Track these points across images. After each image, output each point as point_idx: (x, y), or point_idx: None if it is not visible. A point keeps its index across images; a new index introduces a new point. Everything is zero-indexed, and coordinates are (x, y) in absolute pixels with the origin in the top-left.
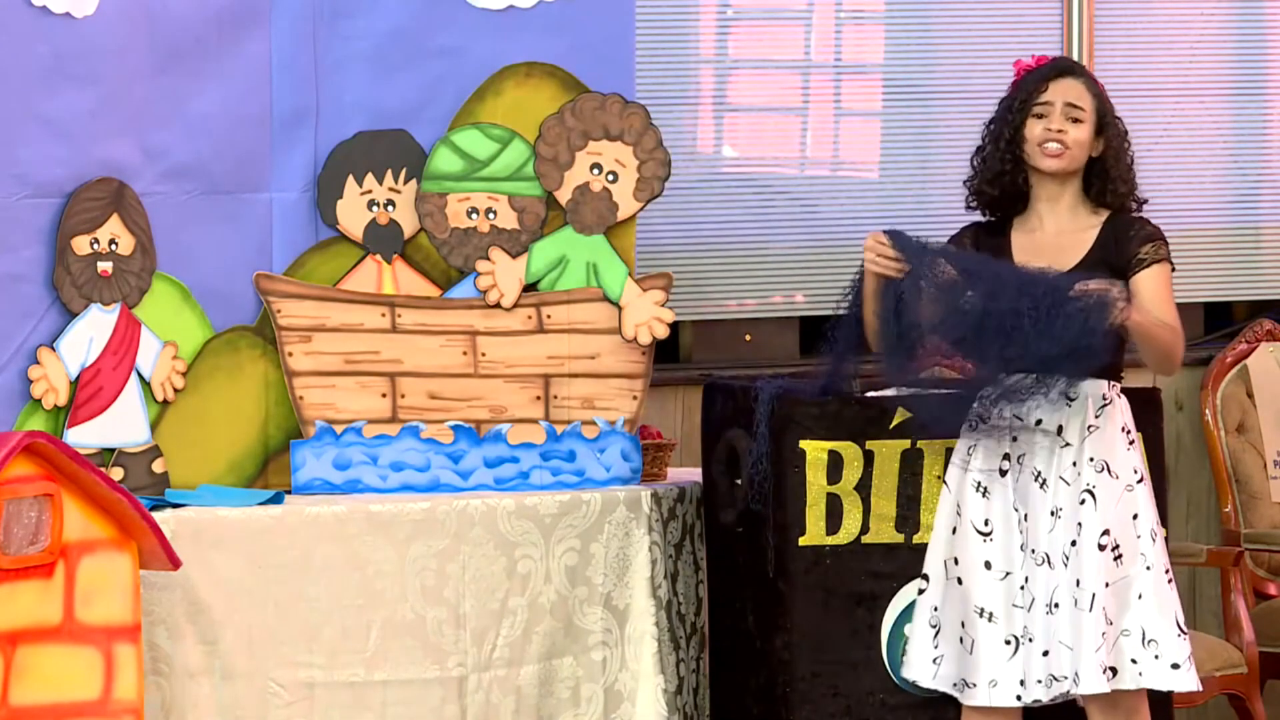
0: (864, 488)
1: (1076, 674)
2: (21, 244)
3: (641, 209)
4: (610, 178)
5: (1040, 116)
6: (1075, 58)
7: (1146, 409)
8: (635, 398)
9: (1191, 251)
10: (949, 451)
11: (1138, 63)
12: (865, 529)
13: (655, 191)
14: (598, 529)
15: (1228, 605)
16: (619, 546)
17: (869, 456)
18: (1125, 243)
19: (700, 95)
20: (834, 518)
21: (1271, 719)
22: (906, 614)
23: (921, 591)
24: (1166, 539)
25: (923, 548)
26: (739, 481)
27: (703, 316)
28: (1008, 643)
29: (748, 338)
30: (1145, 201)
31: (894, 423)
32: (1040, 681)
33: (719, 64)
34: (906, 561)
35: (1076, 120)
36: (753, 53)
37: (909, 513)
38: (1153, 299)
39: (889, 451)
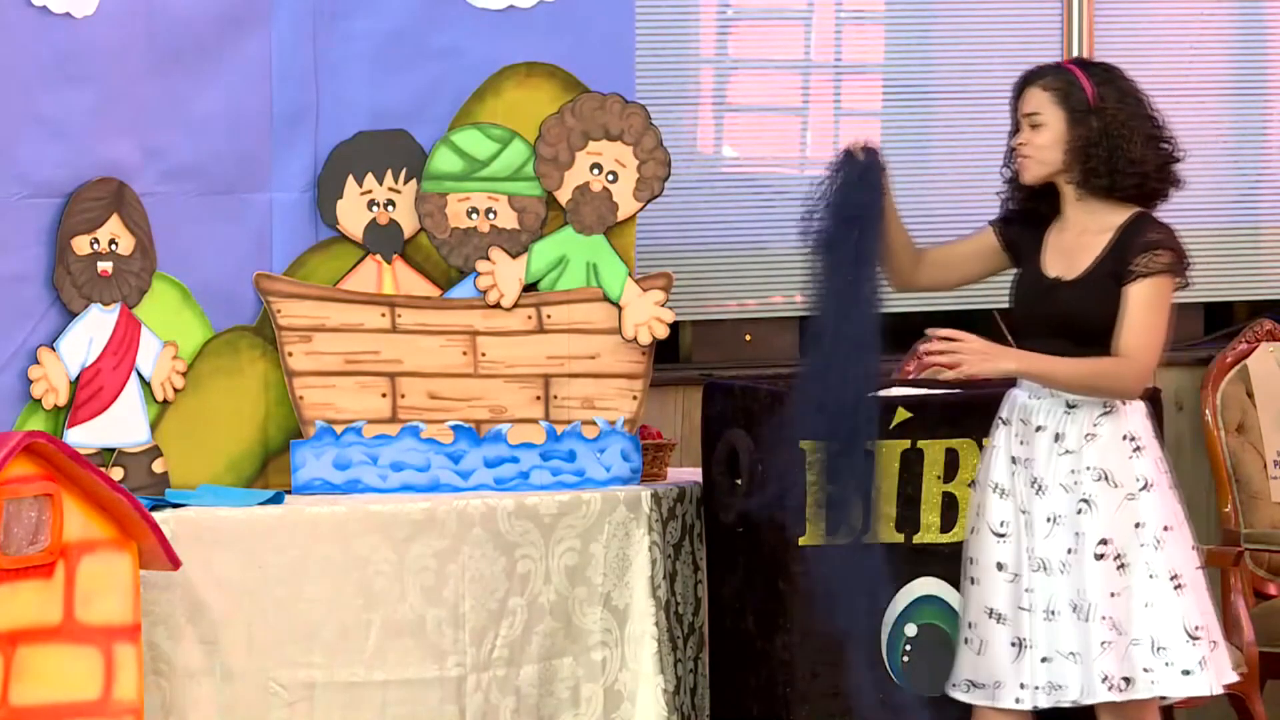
0: None
1: (1084, 685)
2: (21, 244)
3: (641, 209)
4: (610, 178)
5: (1016, 133)
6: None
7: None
8: (635, 398)
9: (1191, 251)
10: (950, 452)
11: (1138, 63)
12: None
13: (655, 191)
14: (598, 529)
15: (1228, 605)
16: (619, 546)
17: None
18: (1128, 250)
19: (700, 95)
20: (835, 517)
21: (1271, 719)
22: (906, 614)
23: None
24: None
25: (923, 548)
26: (739, 481)
27: (703, 316)
28: (1013, 645)
29: (748, 338)
30: (1172, 165)
31: (894, 423)
32: (1040, 688)
33: (719, 64)
34: (906, 561)
35: (1035, 126)
36: (753, 53)
37: (909, 513)
38: (1125, 319)
39: (889, 451)
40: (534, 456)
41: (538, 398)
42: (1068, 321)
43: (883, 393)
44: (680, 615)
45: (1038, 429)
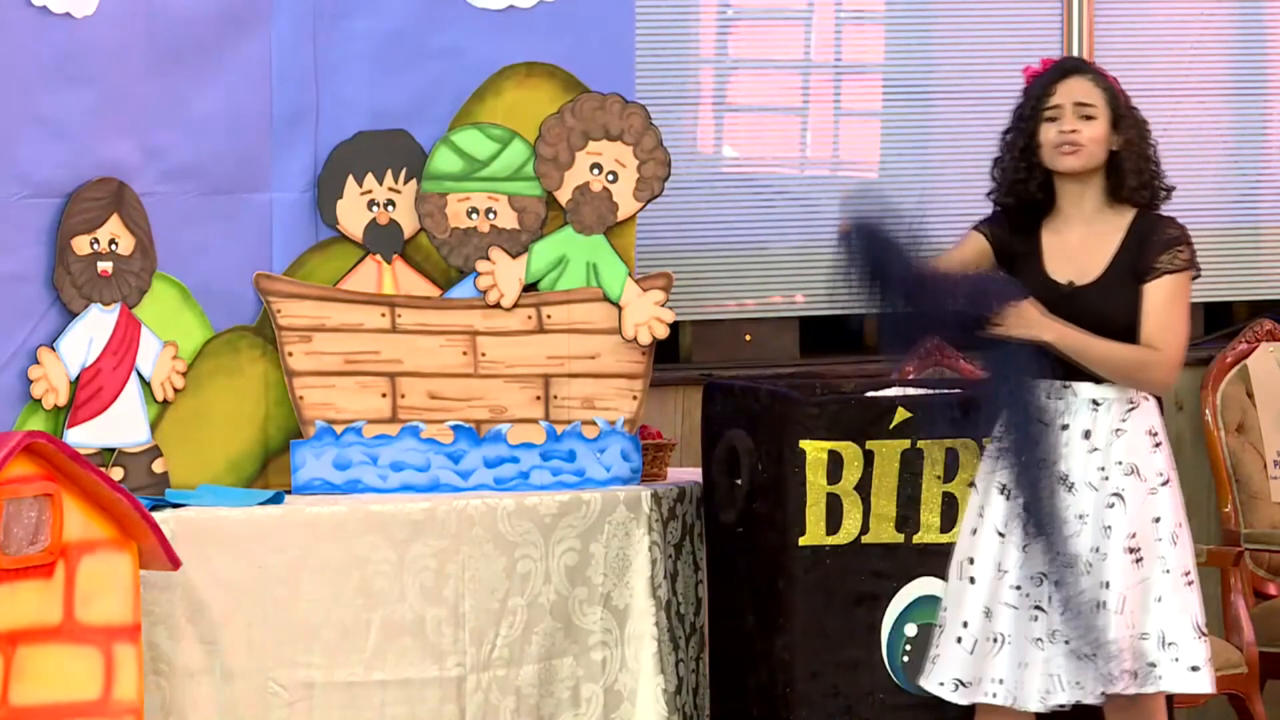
0: (864, 488)
1: (1109, 675)
2: (21, 244)
3: (641, 209)
4: (610, 178)
5: (1052, 120)
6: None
7: None
8: (635, 398)
9: None
10: (950, 452)
11: (1138, 63)
12: (865, 529)
13: (655, 191)
14: (598, 529)
15: (1228, 605)
16: (619, 546)
17: (869, 456)
18: (1147, 247)
19: (700, 95)
20: (834, 518)
21: (1272, 719)
22: (906, 614)
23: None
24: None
25: (923, 548)
26: (739, 481)
27: (703, 316)
28: (994, 641)
29: (748, 338)
30: (1173, 189)
31: (894, 423)
32: (1065, 686)
33: (719, 64)
34: (906, 561)
35: (1088, 118)
36: (753, 53)
37: (909, 513)
38: (1151, 313)
39: (889, 451)
40: (534, 456)
41: (538, 398)
42: (1092, 325)
43: (883, 393)
44: (681, 615)
45: (1064, 427)
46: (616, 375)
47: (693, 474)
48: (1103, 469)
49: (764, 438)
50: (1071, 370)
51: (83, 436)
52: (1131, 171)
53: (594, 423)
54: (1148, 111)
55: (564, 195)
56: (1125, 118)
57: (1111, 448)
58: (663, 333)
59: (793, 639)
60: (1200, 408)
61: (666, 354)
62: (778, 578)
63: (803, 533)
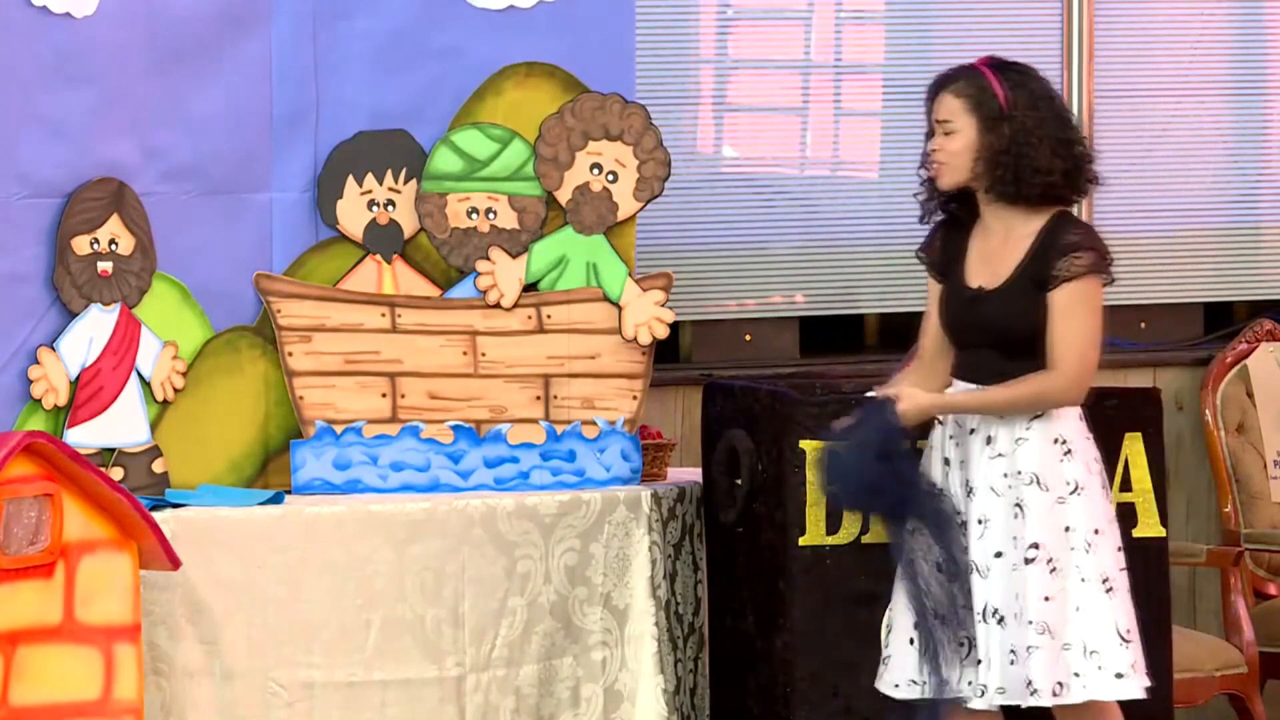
0: None
1: (1030, 684)
2: (21, 244)
3: (641, 209)
4: (610, 178)
5: (930, 137)
6: (1075, 58)
7: (1146, 409)
8: (635, 398)
9: (1191, 251)
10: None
11: (1138, 63)
12: (865, 529)
13: (655, 191)
14: (598, 529)
15: (1228, 605)
16: (619, 546)
17: None
18: (1048, 254)
19: (700, 95)
20: (834, 518)
21: (1271, 719)
22: None
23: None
24: (1162, 542)
25: None
26: (739, 481)
27: (703, 316)
28: (961, 645)
29: (747, 338)
30: (1095, 180)
31: None
32: (985, 688)
33: (719, 64)
34: None
35: (948, 133)
36: (753, 53)
37: None
38: (1051, 328)
39: None
40: (534, 456)
41: (538, 398)
42: (994, 332)
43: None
44: (680, 615)
45: (971, 431)
46: (616, 375)
47: (693, 474)
48: (1006, 475)
49: (764, 438)
50: (976, 379)
51: (83, 436)
52: (1000, 177)
53: (594, 423)
54: (1148, 111)
55: (564, 195)
56: (997, 118)
57: (1015, 455)
58: (663, 333)
59: (793, 639)
60: (1200, 408)
61: (666, 354)
62: (778, 578)
63: (803, 533)
